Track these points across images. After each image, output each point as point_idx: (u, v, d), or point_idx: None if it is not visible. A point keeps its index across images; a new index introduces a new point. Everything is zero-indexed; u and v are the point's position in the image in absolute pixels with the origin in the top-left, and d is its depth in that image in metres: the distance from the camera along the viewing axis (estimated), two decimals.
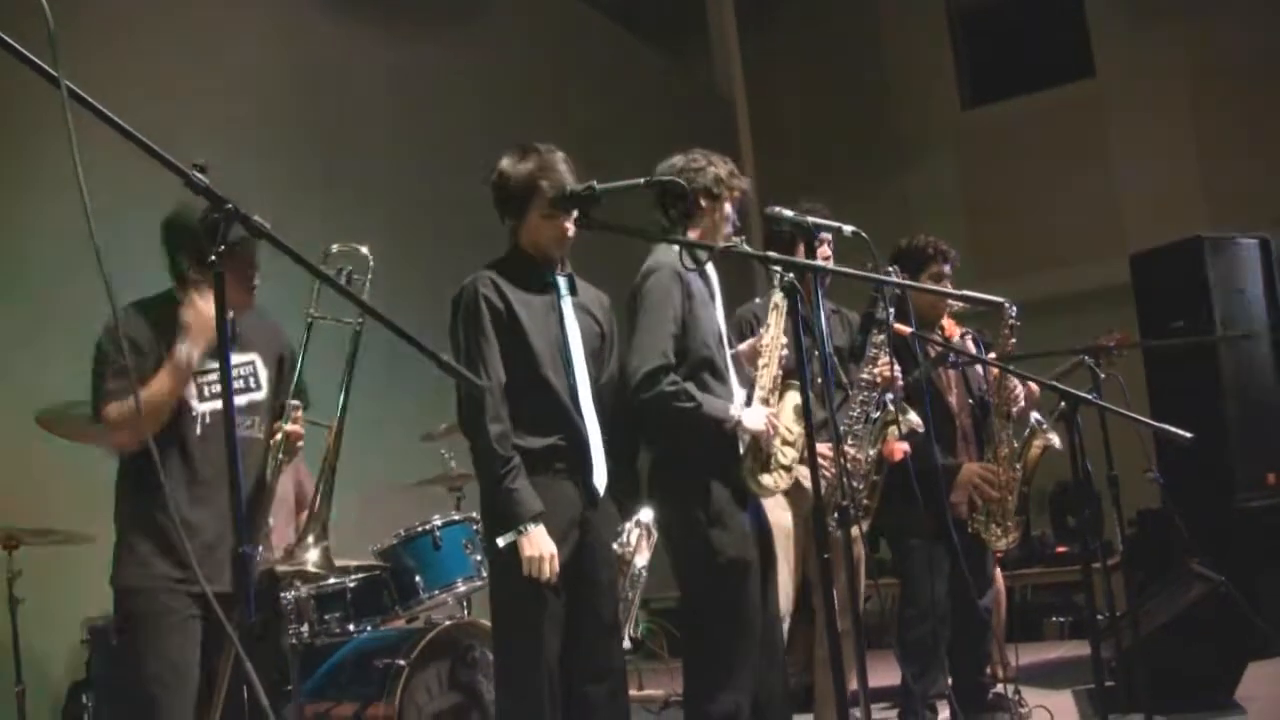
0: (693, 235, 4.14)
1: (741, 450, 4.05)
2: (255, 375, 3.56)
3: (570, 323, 3.86)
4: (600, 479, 3.84)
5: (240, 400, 3.44)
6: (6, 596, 4.79)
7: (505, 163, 3.85)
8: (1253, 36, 9.99)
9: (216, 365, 3.36)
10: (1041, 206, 10.63)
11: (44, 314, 5.50)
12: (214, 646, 3.41)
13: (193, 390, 3.40)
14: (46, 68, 2.10)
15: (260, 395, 3.61)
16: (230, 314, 3.35)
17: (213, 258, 2.42)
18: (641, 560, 3.96)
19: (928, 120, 11.49)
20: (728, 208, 4.20)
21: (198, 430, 3.44)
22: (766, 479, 4.02)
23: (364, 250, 3.93)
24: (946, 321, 5.48)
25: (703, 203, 4.17)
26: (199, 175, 2.40)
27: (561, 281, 3.89)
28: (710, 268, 4.21)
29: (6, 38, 2.00)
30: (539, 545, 3.65)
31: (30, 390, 4.95)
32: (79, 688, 4.94)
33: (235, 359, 3.44)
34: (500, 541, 3.63)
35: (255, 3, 6.98)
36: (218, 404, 3.40)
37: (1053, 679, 6.29)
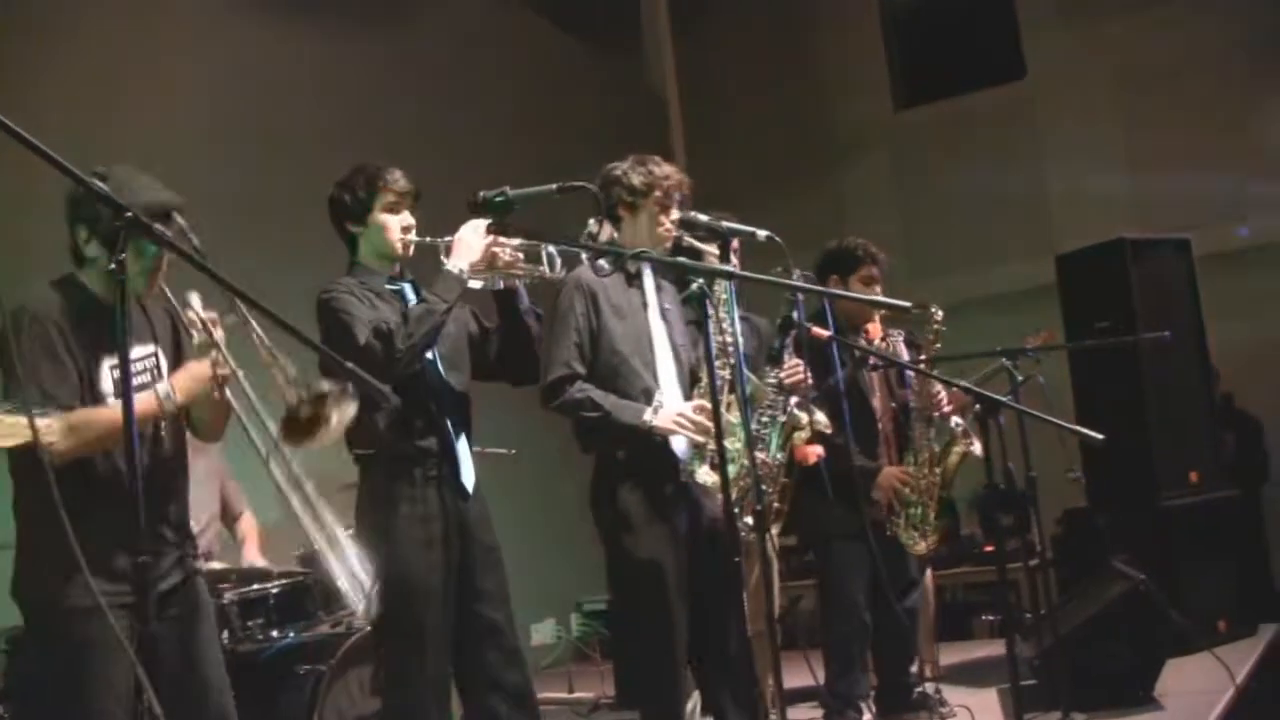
0: (623, 241, 4.15)
1: (680, 450, 4.06)
2: (158, 367, 3.38)
3: None
4: (469, 477, 3.87)
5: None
6: None
7: (340, 178, 3.97)
8: (1182, 40, 10.10)
9: (133, 356, 3.23)
10: (973, 207, 10.69)
11: None
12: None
13: (109, 387, 3.22)
14: None
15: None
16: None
17: (112, 266, 2.42)
18: None
19: (861, 120, 11.54)
20: (664, 214, 4.16)
21: None
22: (701, 474, 4.03)
23: None
24: (870, 324, 5.52)
25: (620, 212, 4.21)
26: (98, 183, 2.40)
27: (407, 288, 3.92)
28: (648, 275, 4.24)
29: None
30: None
31: None
32: None
33: (136, 352, 3.26)
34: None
35: (186, 5, 6.90)
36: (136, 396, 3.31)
37: (980, 677, 6.34)
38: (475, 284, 3.76)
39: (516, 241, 3.70)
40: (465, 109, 8.43)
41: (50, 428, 2.97)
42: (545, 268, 3.83)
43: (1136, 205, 9.92)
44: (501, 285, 3.87)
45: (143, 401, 3.11)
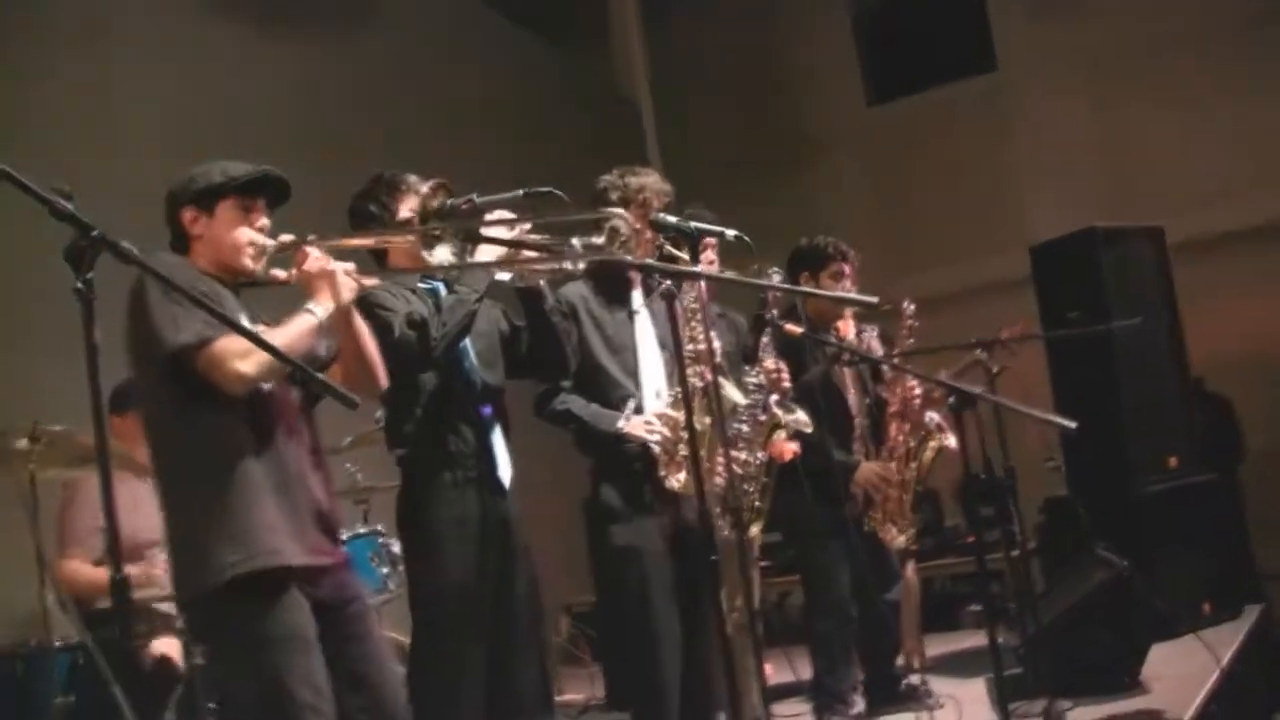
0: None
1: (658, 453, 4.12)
2: None
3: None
4: (506, 473, 3.89)
5: None
6: None
7: (358, 191, 3.99)
8: (1151, 30, 10.15)
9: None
10: (946, 201, 10.72)
11: None
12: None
13: None
14: None
15: None
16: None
17: (79, 285, 2.38)
18: None
19: (833, 118, 11.57)
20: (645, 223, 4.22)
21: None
22: (673, 480, 4.06)
23: None
24: (842, 321, 5.55)
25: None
26: (63, 202, 2.37)
27: (440, 287, 3.94)
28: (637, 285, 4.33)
29: None
30: None
31: None
32: None
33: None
34: None
35: (141, 7, 6.84)
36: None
37: (968, 668, 6.34)
38: (504, 276, 3.77)
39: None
40: (435, 115, 8.40)
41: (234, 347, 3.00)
42: (568, 264, 3.84)
43: (1110, 195, 9.97)
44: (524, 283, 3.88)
45: (299, 323, 3.13)
